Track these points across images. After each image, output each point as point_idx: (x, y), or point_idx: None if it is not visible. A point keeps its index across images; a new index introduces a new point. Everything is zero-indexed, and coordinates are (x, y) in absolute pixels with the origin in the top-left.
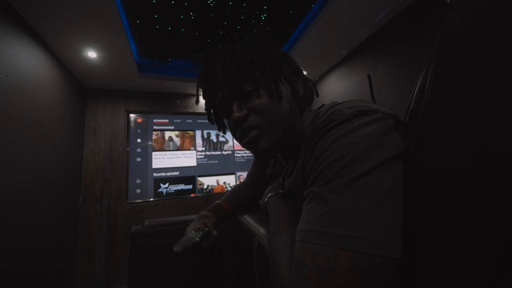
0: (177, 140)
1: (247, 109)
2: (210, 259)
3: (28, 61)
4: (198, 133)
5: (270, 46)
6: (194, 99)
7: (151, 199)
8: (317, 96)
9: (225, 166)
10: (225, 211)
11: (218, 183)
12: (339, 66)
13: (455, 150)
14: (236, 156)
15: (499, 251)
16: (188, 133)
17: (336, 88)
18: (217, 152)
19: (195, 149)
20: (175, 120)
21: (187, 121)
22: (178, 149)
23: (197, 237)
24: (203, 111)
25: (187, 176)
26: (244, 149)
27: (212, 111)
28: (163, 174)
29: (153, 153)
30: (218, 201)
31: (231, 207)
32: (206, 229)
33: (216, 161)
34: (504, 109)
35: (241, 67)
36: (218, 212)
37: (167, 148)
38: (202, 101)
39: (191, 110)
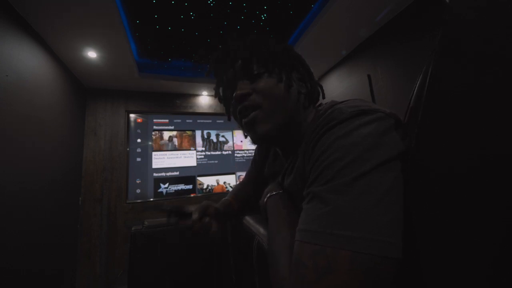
0: (175, 140)
1: (252, 88)
2: (210, 259)
3: (28, 61)
4: (198, 133)
5: (286, 44)
6: (194, 99)
7: (151, 199)
8: (324, 98)
9: (225, 166)
10: (234, 208)
11: (218, 183)
12: (339, 66)
13: (455, 150)
14: (236, 156)
15: (499, 251)
16: (186, 132)
17: (336, 88)
18: (217, 152)
19: (195, 149)
20: (175, 120)
21: (187, 121)
22: (176, 149)
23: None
24: (203, 111)
25: (187, 176)
26: (244, 149)
27: (221, 90)
28: (163, 174)
29: (153, 153)
30: (226, 198)
31: (237, 205)
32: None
33: (216, 161)
34: (504, 109)
35: (255, 52)
36: (227, 208)
37: (165, 148)
38: (201, 101)
39: (191, 110)
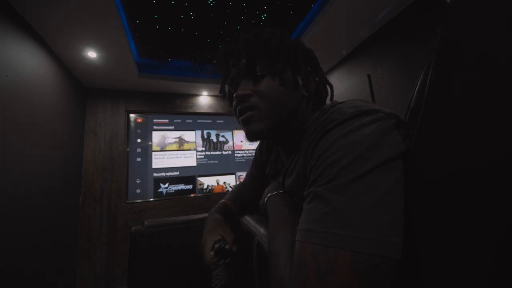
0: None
1: (253, 89)
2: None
3: (28, 61)
4: (198, 133)
5: (296, 38)
6: (194, 99)
7: (151, 199)
8: (332, 99)
9: (225, 166)
10: (232, 211)
11: (218, 183)
12: (339, 66)
13: (455, 150)
14: (236, 156)
15: (499, 251)
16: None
17: (336, 88)
18: (217, 152)
19: (195, 149)
20: (175, 120)
21: (187, 121)
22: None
23: (224, 271)
24: (203, 111)
25: (187, 176)
26: (244, 149)
27: (225, 86)
28: (163, 174)
29: (153, 153)
30: (223, 201)
31: (236, 207)
32: (227, 247)
33: (216, 161)
34: (504, 109)
35: (261, 50)
36: (227, 213)
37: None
38: (201, 101)
39: (191, 110)
